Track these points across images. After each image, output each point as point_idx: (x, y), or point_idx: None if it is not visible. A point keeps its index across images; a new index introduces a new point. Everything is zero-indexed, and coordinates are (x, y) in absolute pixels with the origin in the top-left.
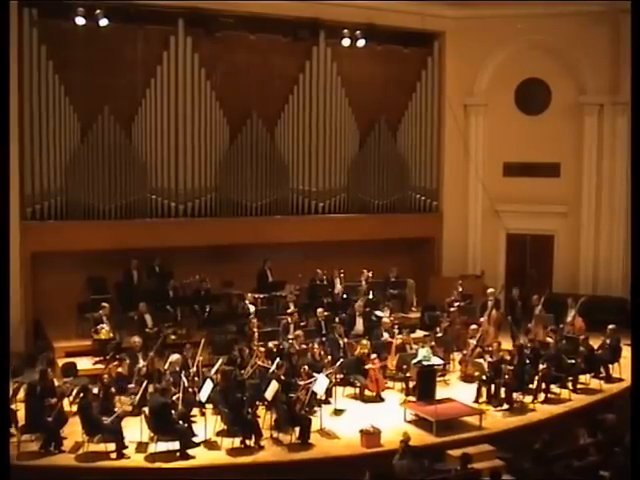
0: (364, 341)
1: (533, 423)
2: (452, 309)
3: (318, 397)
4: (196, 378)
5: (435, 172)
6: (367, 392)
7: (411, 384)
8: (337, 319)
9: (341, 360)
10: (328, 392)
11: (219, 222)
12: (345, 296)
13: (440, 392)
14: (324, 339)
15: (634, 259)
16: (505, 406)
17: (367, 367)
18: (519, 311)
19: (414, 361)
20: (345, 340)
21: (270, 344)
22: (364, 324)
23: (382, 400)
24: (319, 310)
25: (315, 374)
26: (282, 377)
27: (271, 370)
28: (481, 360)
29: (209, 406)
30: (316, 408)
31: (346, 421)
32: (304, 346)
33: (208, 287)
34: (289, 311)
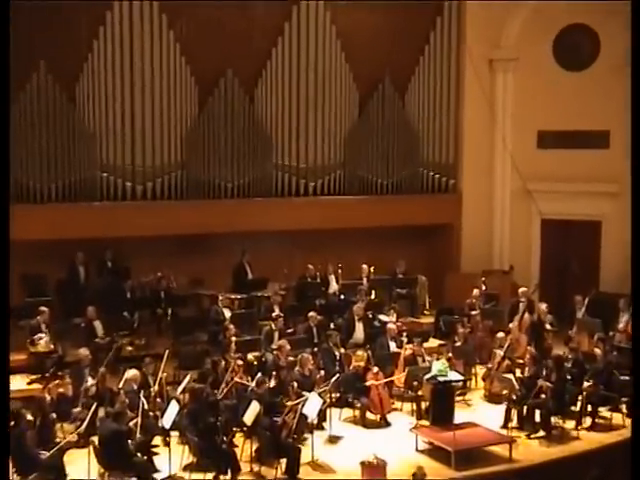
0: (359, 352)
1: (577, 455)
2: (474, 312)
3: (309, 421)
4: (158, 399)
5: (452, 143)
6: (369, 415)
7: (423, 405)
8: (332, 325)
9: (337, 375)
10: (321, 415)
11: (186, 206)
12: (342, 297)
13: (460, 415)
14: (316, 349)
15: (634, 259)
16: (541, 433)
17: (369, 384)
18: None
19: (427, 376)
20: (342, 351)
21: (250, 356)
22: (365, 331)
23: (388, 424)
24: (310, 314)
25: (305, 393)
26: (264, 397)
27: (251, 388)
28: (510, 375)
29: (174, 434)
30: (307, 435)
31: (344, 451)
32: (292, 358)
33: (173, 286)
34: (273, 315)
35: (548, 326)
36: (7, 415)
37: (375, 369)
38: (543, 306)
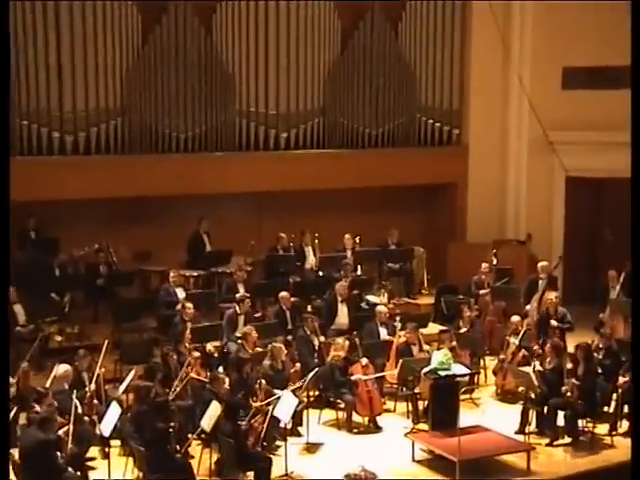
0: (339, 340)
1: (611, 467)
2: (482, 292)
3: (282, 426)
4: (95, 401)
5: (457, 85)
6: (356, 417)
7: (421, 405)
8: (309, 308)
9: (316, 369)
10: (297, 418)
11: (127, 162)
12: (321, 273)
13: (466, 417)
14: (290, 338)
15: (634, 258)
16: (566, 439)
17: (355, 379)
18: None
19: (426, 370)
20: (322, 339)
21: (209, 346)
22: (350, 315)
23: (378, 429)
24: (282, 294)
25: (277, 391)
26: (227, 396)
27: (210, 386)
28: (528, 369)
29: (115, 443)
30: (279, 442)
31: (324, 461)
32: (260, 349)
33: (113, 261)
34: (237, 296)
35: (554, 322)
36: (7, 414)
37: (364, 361)
38: (552, 295)
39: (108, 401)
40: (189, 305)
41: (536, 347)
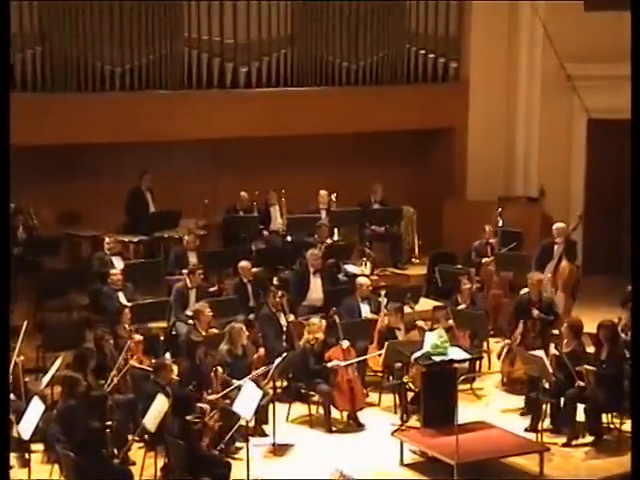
0: (315, 319)
1: None
2: (485, 260)
3: (243, 423)
4: (12, 396)
5: (454, 7)
6: (333, 412)
7: (411, 396)
8: (276, 280)
9: (284, 355)
10: (261, 414)
11: (49, 102)
12: (290, 238)
13: (466, 411)
14: (252, 317)
15: (634, 256)
16: (588, 438)
17: (332, 366)
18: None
19: (417, 355)
20: (291, 318)
21: (152, 326)
22: (325, 288)
23: (360, 427)
24: (243, 264)
25: (236, 381)
26: (175, 388)
27: (154, 376)
28: (540, 353)
29: (37, 447)
30: (239, 444)
31: (294, 466)
32: (215, 330)
33: (34, 225)
34: (188, 267)
35: (536, 312)
36: (7, 413)
37: (345, 344)
38: (536, 277)
39: (28, 397)
40: (115, 271)
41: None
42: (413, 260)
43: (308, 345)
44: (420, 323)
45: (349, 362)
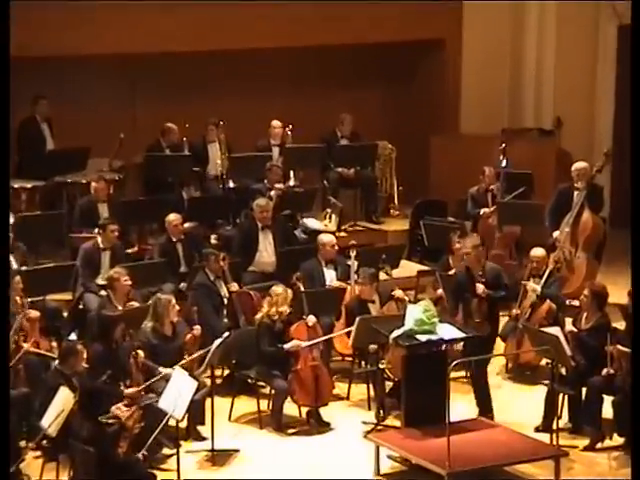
0: (278, 288)
1: None
2: (485, 211)
3: (172, 424)
4: None
5: None
6: (290, 408)
7: (389, 387)
8: (214, 238)
9: (227, 334)
10: (196, 412)
11: None
12: (232, 184)
13: (460, 406)
14: (184, 286)
15: (634, 255)
16: (616, 440)
17: (290, 347)
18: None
19: (397, 333)
20: (235, 287)
21: (53, 299)
22: (277, 249)
23: (324, 426)
24: (171, 218)
25: (163, 369)
26: (83, 379)
27: (57, 362)
28: (555, 330)
29: None
30: (168, 450)
31: (240, 478)
32: (135, 303)
33: None
34: (100, 221)
35: (480, 286)
36: (7, 413)
37: (311, 319)
38: (471, 242)
39: None
40: (16, 244)
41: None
42: (392, 212)
43: (267, 321)
44: (399, 293)
45: (310, 343)
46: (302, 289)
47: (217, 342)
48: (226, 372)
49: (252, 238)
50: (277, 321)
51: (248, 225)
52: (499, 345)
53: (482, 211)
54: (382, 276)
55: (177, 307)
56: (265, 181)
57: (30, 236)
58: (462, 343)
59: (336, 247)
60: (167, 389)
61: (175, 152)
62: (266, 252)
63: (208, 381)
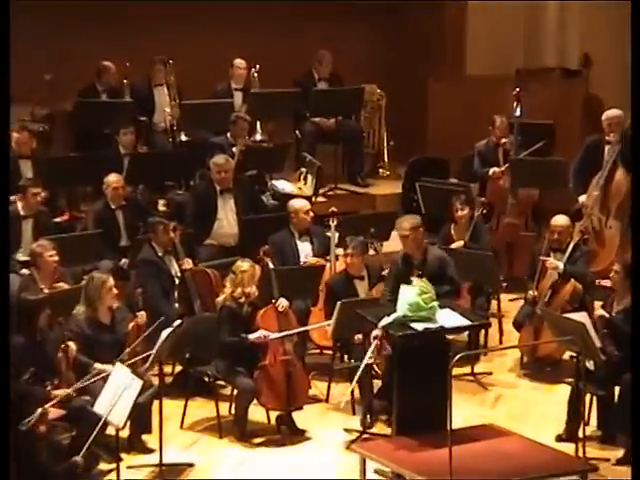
0: (244, 264)
1: None
2: (494, 170)
3: (111, 432)
4: None
5: None
6: (256, 412)
7: (378, 386)
8: (162, 204)
9: (177, 322)
10: (141, 417)
11: None
12: (185, 137)
13: (465, 410)
14: (125, 263)
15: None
16: None
17: (256, 338)
18: None
19: (386, 321)
20: (188, 265)
21: None
22: (240, 217)
23: (298, 434)
24: (110, 179)
25: (100, 365)
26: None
27: None
28: (581, 316)
29: None
30: (106, 464)
31: None
32: (65, 285)
33: None
34: (20, 183)
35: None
36: (7, 413)
37: (282, 303)
38: (560, 221)
39: None
40: None
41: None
42: (381, 172)
43: (230, 306)
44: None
45: (283, 334)
46: (270, 266)
47: (166, 332)
48: (178, 369)
49: (209, 204)
50: (242, 305)
51: (204, 188)
52: (512, 335)
53: (492, 170)
54: (370, 251)
55: (114, 290)
56: (228, 134)
57: None
58: (467, 333)
59: (312, 215)
60: (104, 390)
61: (113, 97)
62: (226, 221)
63: (155, 380)
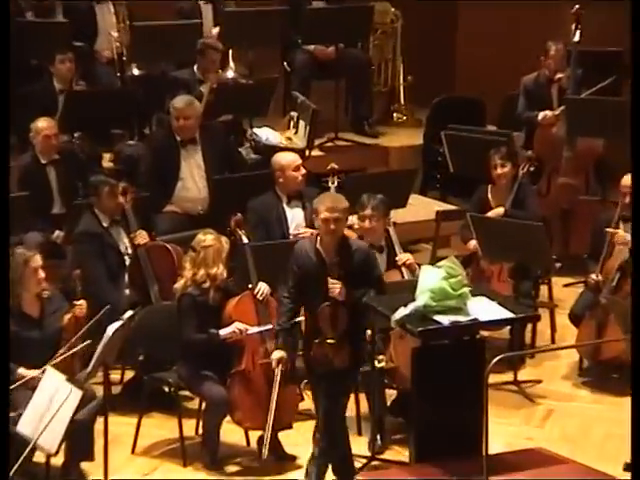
0: (208, 236)
1: None
2: (546, 115)
3: (39, 459)
4: None
5: None
6: (235, 430)
7: (391, 399)
8: (109, 158)
9: (127, 314)
10: (80, 437)
11: None
12: (137, 71)
13: (506, 429)
14: (58, 235)
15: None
16: None
17: (227, 334)
18: None
19: (402, 313)
20: (141, 239)
21: None
22: (209, 174)
23: (288, 460)
24: (39, 125)
25: (24, 371)
26: None
27: None
28: None
29: None
30: None
31: None
32: None
33: None
34: None
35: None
36: (7, 414)
37: (261, 288)
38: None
39: None
40: None
41: None
42: (395, 117)
43: (193, 293)
44: (406, 258)
45: (263, 328)
46: (244, 240)
47: (114, 327)
48: (129, 375)
49: (169, 159)
50: (207, 291)
51: (163, 138)
52: (568, 331)
53: (542, 114)
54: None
55: (42, 272)
56: (195, 67)
57: None
58: (508, 328)
59: (304, 173)
60: (31, 403)
61: (42, 17)
62: (192, 182)
63: (99, 390)
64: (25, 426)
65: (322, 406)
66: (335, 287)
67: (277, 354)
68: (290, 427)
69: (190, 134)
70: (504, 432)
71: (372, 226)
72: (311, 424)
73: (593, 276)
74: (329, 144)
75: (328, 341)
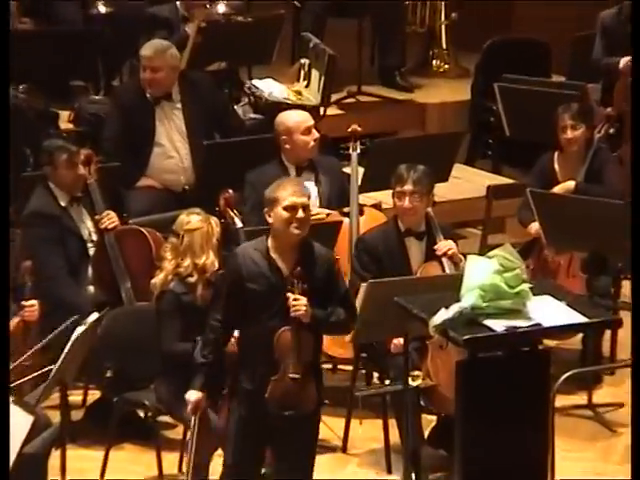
0: (192, 217)
1: None
2: (627, 61)
3: None
4: None
5: None
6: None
7: (430, 427)
8: (70, 119)
9: (92, 317)
10: (32, 474)
11: None
12: (103, 8)
13: (579, 462)
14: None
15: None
16: None
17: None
18: None
19: (443, 316)
20: (110, 222)
21: None
22: (195, 140)
23: None
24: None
25: None
26: None
27: None
28: None
29: None
30: None
31: None
32: None
33: None
34: None
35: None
36: (7, 415)
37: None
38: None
39: None
40: None
41: None
42: (435, 64)
43: (176, 289)
44: (447, 246)
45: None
46: (238, 224)
47: (76, 334)
48: (93, 397)
49: (143, 120)
50: (194, 287)
51: (133, 94)
52: None
53: (625, 60)
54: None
55: None
56: (176, 2)
57: None
58: (580, 335)
59: (318, 137)
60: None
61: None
62: (173, 148)
63: (56, 416)
64: None
65: (283, 469)
66: (300, 306)
67: (194, 395)
68: None
69: (161, 89)
70: (575, 469)
71: (413, 205)
72: (328, 457)
73: None
74: (350, 100)
75: (291, 376)
